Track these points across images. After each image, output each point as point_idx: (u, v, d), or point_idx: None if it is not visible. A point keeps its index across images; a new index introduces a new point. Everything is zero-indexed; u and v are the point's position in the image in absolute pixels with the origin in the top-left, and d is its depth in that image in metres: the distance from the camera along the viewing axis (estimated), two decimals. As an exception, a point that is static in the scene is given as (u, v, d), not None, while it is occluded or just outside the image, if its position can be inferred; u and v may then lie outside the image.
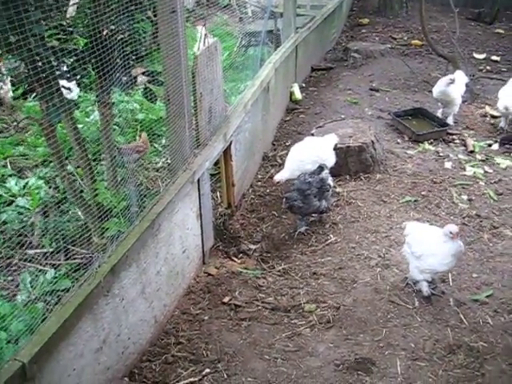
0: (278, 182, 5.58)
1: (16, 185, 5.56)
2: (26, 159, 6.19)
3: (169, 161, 6.05)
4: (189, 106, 4.17)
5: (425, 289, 4.37)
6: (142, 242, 3.55)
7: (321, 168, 5.35)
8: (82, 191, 4.73)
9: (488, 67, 10.10)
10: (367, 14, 13.81)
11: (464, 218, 5.44)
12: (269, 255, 5.09)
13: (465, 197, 5.81)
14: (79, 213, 4.83)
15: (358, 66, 9.98)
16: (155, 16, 4.10)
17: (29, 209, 5.19)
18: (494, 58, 10.60)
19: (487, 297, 4.43)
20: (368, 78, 9.44)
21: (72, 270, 4.38)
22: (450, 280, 4.59)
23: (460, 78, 7.58)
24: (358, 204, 5.69)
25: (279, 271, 4.84)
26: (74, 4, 4.33)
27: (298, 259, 4.99)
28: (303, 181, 5.20)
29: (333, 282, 4.65)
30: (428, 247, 4.22)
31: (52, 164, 5.83)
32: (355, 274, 4.73)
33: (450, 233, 4.09)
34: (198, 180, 4.42)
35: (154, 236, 3.73)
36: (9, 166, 6.00)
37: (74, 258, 4.60)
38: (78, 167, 5.08)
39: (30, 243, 4.77)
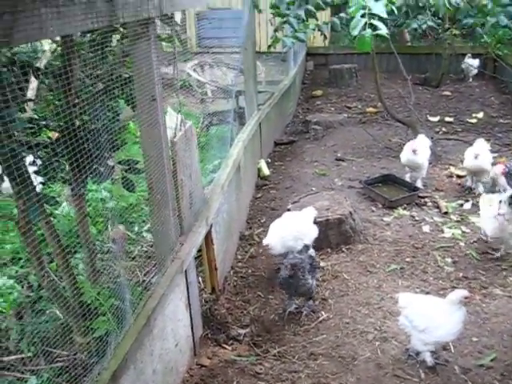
0: (267, 245, 5.43)
1: (-16, 287, 5.22)
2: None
3: (144, 248, 5.92)
4: (172, 193, 4.05)
5: (429, 359, 4.24)
6: (139, 341, 3.34)
7: (306, 247, 5.29)
8: (59, 288, 4.48)
9: (444, 129, 10.39)
10: (319, 86, 14.15)
11: (452, 281, 5.39)
12: (260, 339, 4.86)
13: (449, 259, 5.78)
14: (57, 312, 4.57)
15: (320, 138, 10.09)
16: (130, 104, 4.04)
17: (2, 312, 4.88)
18: (448, 119, 10.96)
19: (491, 360, 4.33)
20: (332, 148, 9.53)
21: (55, 374, 4.09)
22: (452, 347, 4.48)
23: (424, 142, 7.73)
24: (344, 277, 5.57)
25: (275, 355, 4.62)
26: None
27: (291, 340, 4.79)
28: (294, 257, 5.06)
29: (332, 362, 4.46)
30: (432, 319, 4.12)
31: (22, 261, 5.58)
32: (354, 350, 4.56)
33: (466, 298, 4.05)
34: (186, 269, 4.25)
35: (149, 333, 3.52)
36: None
37: (57, 361, 4.32)
38: (51, 262, 4.84)
39: (7, 349, 4.46)
